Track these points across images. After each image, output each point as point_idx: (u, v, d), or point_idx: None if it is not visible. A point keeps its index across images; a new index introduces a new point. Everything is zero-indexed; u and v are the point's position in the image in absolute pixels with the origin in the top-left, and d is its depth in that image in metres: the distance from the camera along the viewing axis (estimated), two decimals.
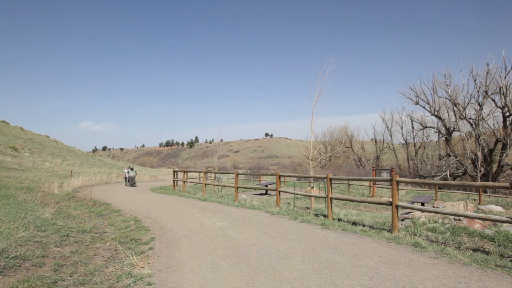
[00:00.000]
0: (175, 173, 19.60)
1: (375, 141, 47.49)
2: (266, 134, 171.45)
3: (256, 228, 7.02)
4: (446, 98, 32.61)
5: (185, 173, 18.85)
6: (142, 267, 4.44)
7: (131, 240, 6.17)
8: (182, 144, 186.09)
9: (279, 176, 10.92)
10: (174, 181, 19.03)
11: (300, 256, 4.96)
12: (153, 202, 12.41)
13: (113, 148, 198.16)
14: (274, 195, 12.83)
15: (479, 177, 26.43)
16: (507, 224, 5.42)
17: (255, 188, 13.00)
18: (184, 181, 17.53)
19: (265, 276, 4.11)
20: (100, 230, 7.27)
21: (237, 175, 12.76)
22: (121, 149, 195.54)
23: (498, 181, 27.35)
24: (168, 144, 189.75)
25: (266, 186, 17.73)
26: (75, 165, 33.26)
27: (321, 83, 11.46)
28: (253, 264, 4.58)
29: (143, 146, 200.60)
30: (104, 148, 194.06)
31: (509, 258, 4.68)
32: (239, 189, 13.00)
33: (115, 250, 5.51)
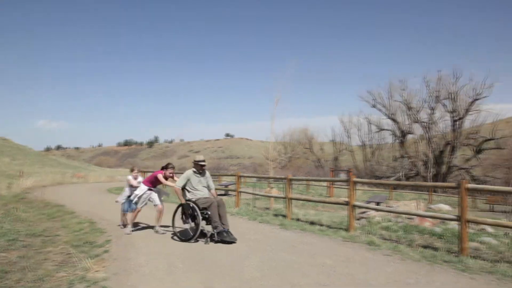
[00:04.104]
0: None
1: (334, 143, 48.86)
2: (227, 135, 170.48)
3: None
4: (401, 102, 34.24)
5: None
6: (96, 271, 4.21)
7: (85, 243, 5.84)
8: (141, 143, 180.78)
9: (239, 177, 10.89)
10: None
11: (259, 256, 4.93)
12: (109, 203, 11.87)
13: (68, 148, 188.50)
14: (234, 195, 12.78)
15: (430, 178, 27.99)
16: (454, 222, 5.72)
17: None
18: None
19: (223, 277, 4.03)
20: (52, 233, 6.83)
21: None
22: (77, 148, 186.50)
23: (447, 182, 29.08)
24: (126, 143, 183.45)
25: (226, 186, 17.62)
26: (25, 165, 31.39)
27: (281, 85, 11.62)
28: (212, 266, 4.48)
29: (100, 145, 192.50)
30: (59, 147, 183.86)
31: (454, 254, 4.94)
32: None
33: (68, 254, 5.18)
